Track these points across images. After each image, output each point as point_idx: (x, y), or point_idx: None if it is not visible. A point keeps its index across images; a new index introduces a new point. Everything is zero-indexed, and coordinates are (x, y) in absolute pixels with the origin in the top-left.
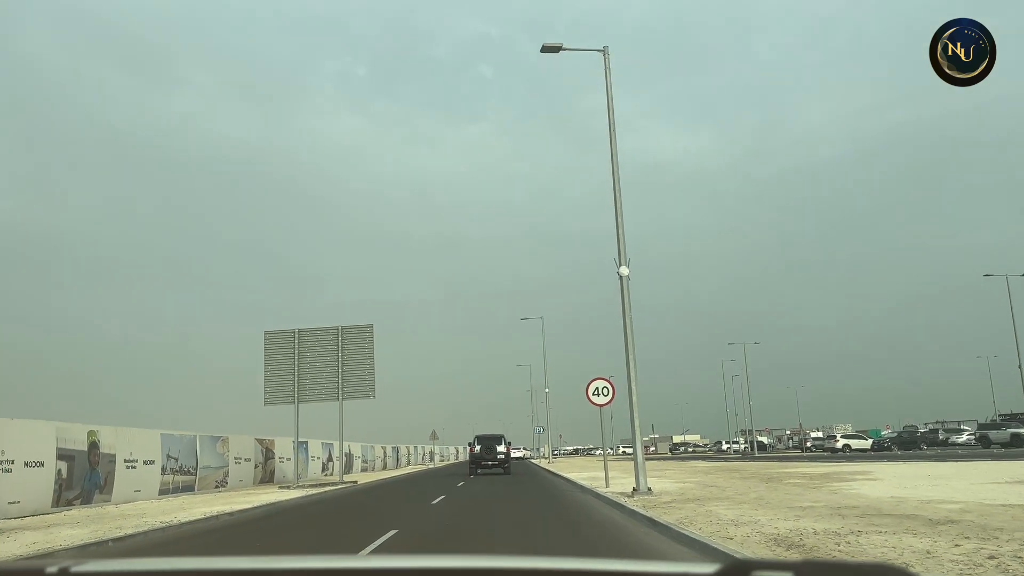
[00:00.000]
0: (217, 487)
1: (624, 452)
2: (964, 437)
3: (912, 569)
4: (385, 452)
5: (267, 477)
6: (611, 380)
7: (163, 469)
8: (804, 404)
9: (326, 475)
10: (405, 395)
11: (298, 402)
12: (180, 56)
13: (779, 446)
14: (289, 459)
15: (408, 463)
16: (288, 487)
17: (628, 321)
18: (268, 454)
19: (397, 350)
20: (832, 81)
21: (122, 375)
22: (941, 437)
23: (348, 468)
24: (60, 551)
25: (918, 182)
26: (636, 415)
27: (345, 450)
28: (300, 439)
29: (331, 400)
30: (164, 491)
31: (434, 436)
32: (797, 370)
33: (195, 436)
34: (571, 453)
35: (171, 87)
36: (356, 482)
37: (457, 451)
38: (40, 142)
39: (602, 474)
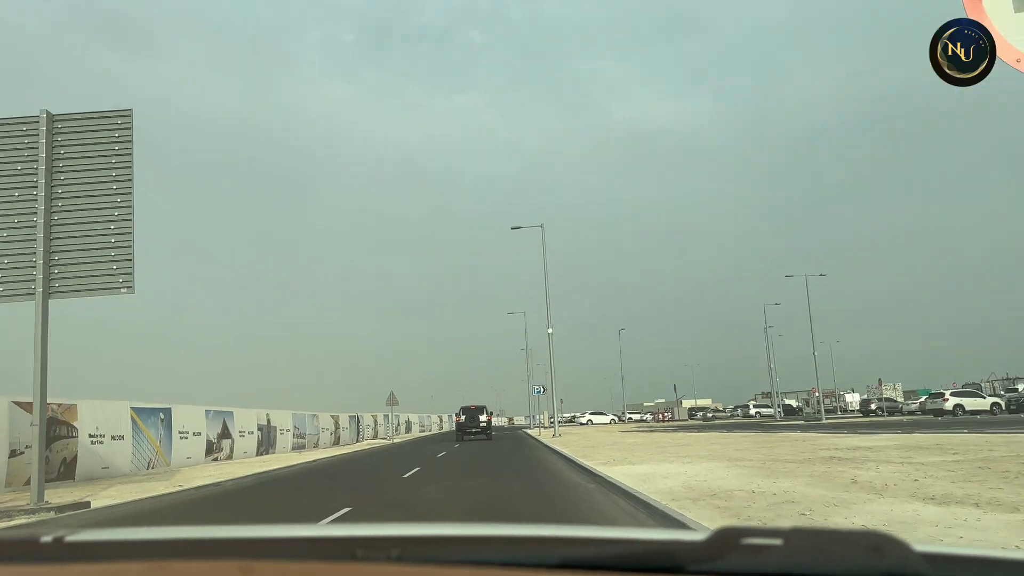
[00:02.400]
0: None
1: (633, 419)
2: None
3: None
4: (338, 423)
5: (62, 472)
6: None
7: None
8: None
9: (210, 459)
10: (395, 362)
11: None
12: (162, 26)
13: (807, 409)
14: (122, 437)
15: (375, 435)
16: None
17: None
18: (58, 431)
19: (388, 319)
20: (827, 45)
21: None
22: None
23: (270, 446)
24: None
25: (912, 147)
26: None
27: (262, 421)
28: (161, 405)
29: (21, 298)
30: None
31: (392, 400)
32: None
33: None
34: (568, 421)
35: (153, 57)
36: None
37: (441, 419)
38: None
39: (687, 470)
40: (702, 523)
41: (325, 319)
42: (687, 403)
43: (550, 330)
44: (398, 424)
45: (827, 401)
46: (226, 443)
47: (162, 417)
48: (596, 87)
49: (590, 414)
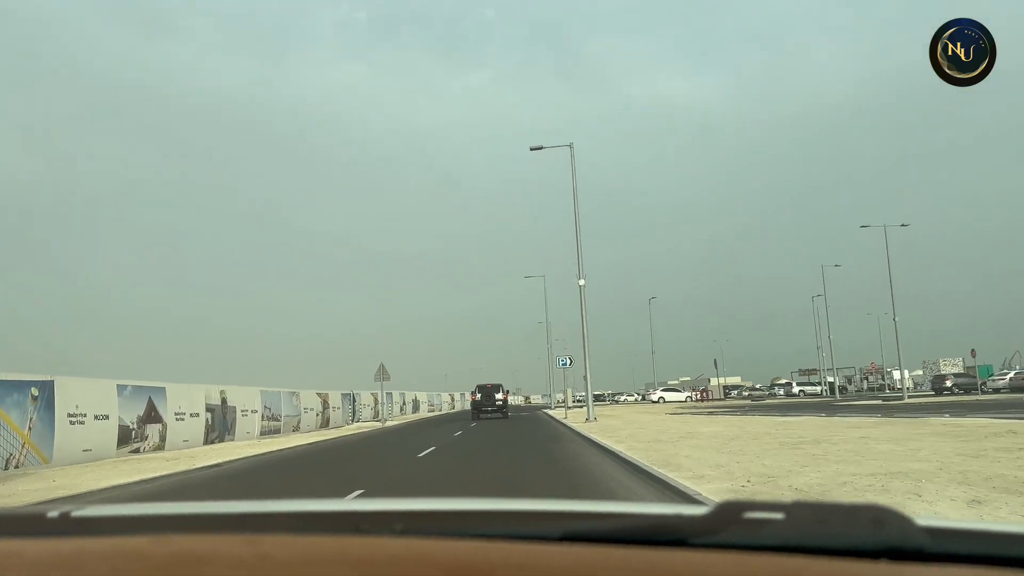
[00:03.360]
0: None
1: (656, 399)
2: None
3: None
4: (327, 403)
5: None
6: None
7: None
8: (855, 343)
9: (128, 451)
10: (408, 342)
11: None
12: (177, 5)
13: (850, 388)
14: None
15: (375, 415)
16: None
17: None
18: None
19: (399, 301)
20: (841, 20)
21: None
22: None
23: (226, 432)
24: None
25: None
26: None
27: (213, 400)
28: (35, 377)
29: None
30: None
31: (383, 375)
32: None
33: None
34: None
35: (168, 37)
36: None
37: (453, 398)
38: (33, 94)
39: None
40: None
41: (336, 300)
42: (714, 381)
43: (581, 281)
44: (403, 404)
45: (872, 378)
46: (153, 429)
47: (35, 394)
48: (612, 63)
49: (661, 390)
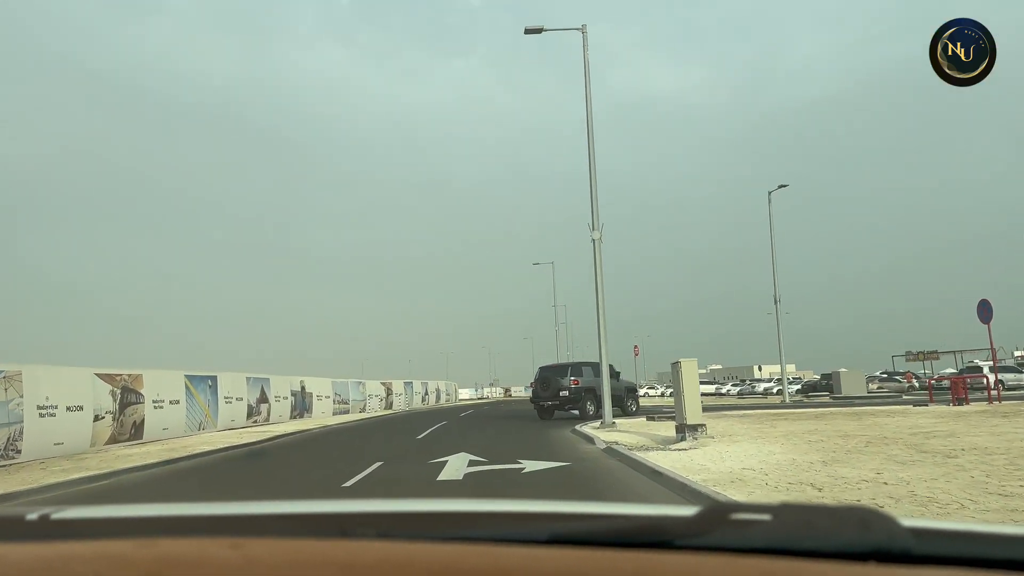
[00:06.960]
0: None
1: (724, 392)
2: None
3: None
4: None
5: None
6: None
7: None
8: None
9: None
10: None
11: None
12: None
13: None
14: None
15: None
16: None
17: None
18: None
19: (386, 290)
20: (826, 13)
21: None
22: None
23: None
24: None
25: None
26: None
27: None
28: None
29: None
30: None
31: None
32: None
33: None
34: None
35: (146, 16)
36: None
37: (389, 390)
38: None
39: None
40: None
41: (315, 289)
42: (768, 368)
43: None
44: (258, 403)
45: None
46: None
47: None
48: (594, 53)
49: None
